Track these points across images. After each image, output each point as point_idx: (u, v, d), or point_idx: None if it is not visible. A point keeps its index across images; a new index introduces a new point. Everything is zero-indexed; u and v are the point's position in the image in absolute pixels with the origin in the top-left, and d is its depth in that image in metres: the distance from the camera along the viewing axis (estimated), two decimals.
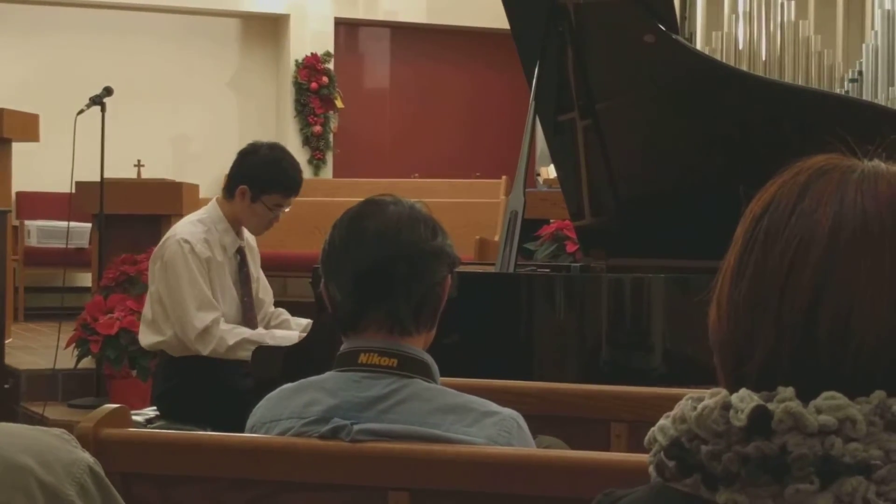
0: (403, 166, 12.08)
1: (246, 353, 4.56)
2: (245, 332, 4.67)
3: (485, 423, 2.24)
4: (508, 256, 4.21)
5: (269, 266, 5.16)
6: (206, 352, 4.59)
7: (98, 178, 7.10)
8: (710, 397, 1.16)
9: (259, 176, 4.69)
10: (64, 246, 7.93)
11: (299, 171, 4.82)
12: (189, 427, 4.18)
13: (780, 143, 4.04)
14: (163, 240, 4.74)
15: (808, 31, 11.29)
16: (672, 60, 4.30)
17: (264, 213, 4.72)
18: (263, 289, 4.95)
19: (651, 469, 1.20)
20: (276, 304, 5.06)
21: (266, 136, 5.00)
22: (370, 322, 2.29)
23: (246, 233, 4.85)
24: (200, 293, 4.61)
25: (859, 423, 1.10)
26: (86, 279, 9.36)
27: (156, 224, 7.61)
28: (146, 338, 4.78)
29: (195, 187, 8.06)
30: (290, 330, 4.80)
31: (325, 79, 11.94)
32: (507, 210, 4.33)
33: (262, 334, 4.67)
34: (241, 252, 4.78)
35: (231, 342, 4.60)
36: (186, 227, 4.70)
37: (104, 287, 6.76)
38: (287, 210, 4.79)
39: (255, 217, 4.73)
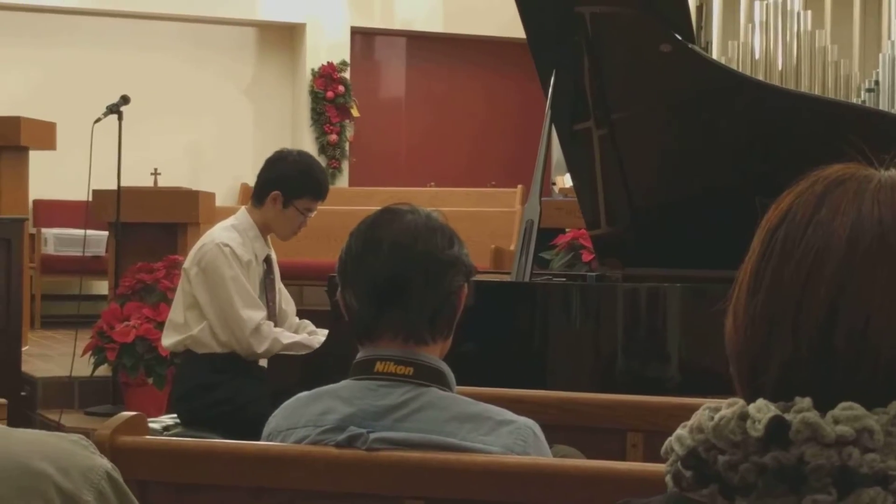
0: (419, 175, 12.09)
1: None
2: (296, 335, 4.78)
3: (501, 432, 2.24)
4: (524, 265, 4.21)
5: (285, 275, 5.19)
6: (261, 349, 4.65)
7: (115, 187, 7.12)
8: (728, 407, 1.16)
9: (291, 181, 4.77)
10: (80, 254, 7.96)
11: (327, 176, 4.97)
12: (206, 435, 4.20)
13: (797, 153, 4.03)
14: (197, 246, 4.79)
15: (824, 41, 11.28)
16: (688, 70, 4.30)
17: (295, 217, 4.79)
18: (285, 299, 5.01)
19: (668, 479, 1.20)
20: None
21: (281, 145, 5.05)
22: (386, 330, 2.29)
23: (272, 247, 4.91)
24: (246, 293, 4.68)
25: (877, 433, 1.10)
26: (102, 287, 9.38)
27: (172, 232, 7.63)
28: (170, 338, 4.81)
29: (211, 195, 8.08)
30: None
31: (340, 88, 11.95)
32: (523, 219, 4.34)
33: (311, 339, 4.74)
34: (268, 260, 4.84)
35: (286, 342, 4.69)
36: (222, 233, 4.75)
37: (120, 295, 6.78)
38: (313, 215, 4.85)
39: (286, 222, 4.80)
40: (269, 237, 4.87)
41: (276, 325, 4.79)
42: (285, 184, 4.77)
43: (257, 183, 4.86)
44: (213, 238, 4.74)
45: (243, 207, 4.92)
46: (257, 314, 4.68)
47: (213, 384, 4.68)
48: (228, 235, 4.73)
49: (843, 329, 1.12)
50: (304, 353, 4.61)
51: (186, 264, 4.79)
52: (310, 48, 11.99)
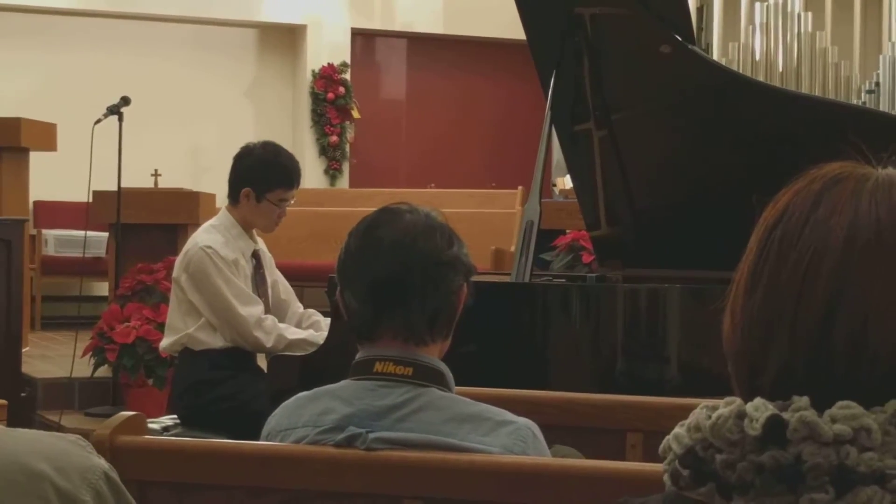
0: (419, 176, 12.09)
1: (302, 352, 4.63)
2: (301, 332, 4.80)
3: (500, 433, 2.24)
4: (524, 266, 4.21)
5: (286, 275, 5.20)
6: (269, 344, 4.67)
7: (115, 188, 7.13)
8: (725, 406, 1.16)
9: (259, 175, 4.79)
10: (81, 255, 7.95)
11: (296, 163, 4.93)
12: (205, 434, 4.20)
13: (796, 153, 4.03)
14: (182, 252, 4.81)
15: (824, 43, 11.28)
16: (688, 71, 4.30)
17: (271, 209, 4.80)
18: (284, 290, 5.02)
19: (666, 478, 1.20)
20: None
21: (282, 146, 5.05)
22: (385, 331, 2.29)
23: (259, 240, 4.91)
24: (239, 290, 4.70)
25: (874, 432, 1.09)
26: (102, 288, 9.39)
27: (173, 233, 7.63)
28: (167, 339, 4.83)
29: (212, 197, 8.08)
30: (322, 331, 4.82)
31: (341, 89, 11.96)
32: (523, 220, 4.33)
33: (315, 336, 4.74)
34: (255, 255, 4.85)
35: (291, 338, 4.71)
36: (204, 236, 4.77)
37: (121, 296, 6.78)
38: (292, 202, 4.86)
39: (263, 216, 4.82)
40: (254, 231, 4.88)
41: (275, 317, 4.80)
42: (254, 179, 4.78)
43: (229, 181, 4.88)
44: (196, 243, 4.76)
45: (224, 207, 4.93)
46: (256, 309, 4.70)
47: (213, 381, 4.69)
48: (210, 237, 4.75)
49: (842, 328, 1.12)
50: (310, 350, 4.61)
51: (175, 273, 4.81)
52: (310, 49, 11.99)
